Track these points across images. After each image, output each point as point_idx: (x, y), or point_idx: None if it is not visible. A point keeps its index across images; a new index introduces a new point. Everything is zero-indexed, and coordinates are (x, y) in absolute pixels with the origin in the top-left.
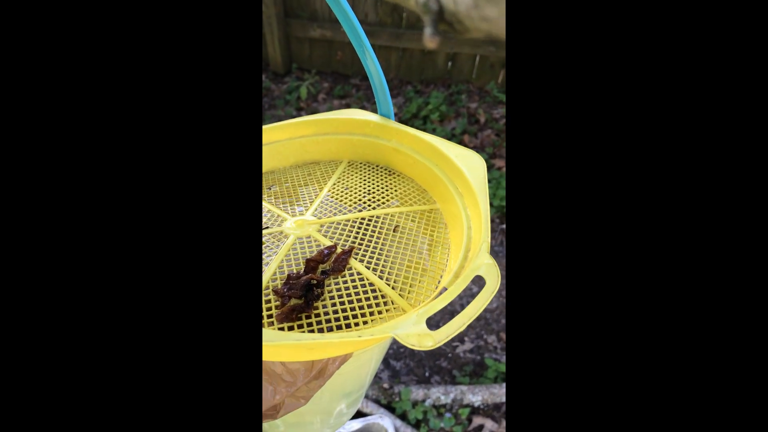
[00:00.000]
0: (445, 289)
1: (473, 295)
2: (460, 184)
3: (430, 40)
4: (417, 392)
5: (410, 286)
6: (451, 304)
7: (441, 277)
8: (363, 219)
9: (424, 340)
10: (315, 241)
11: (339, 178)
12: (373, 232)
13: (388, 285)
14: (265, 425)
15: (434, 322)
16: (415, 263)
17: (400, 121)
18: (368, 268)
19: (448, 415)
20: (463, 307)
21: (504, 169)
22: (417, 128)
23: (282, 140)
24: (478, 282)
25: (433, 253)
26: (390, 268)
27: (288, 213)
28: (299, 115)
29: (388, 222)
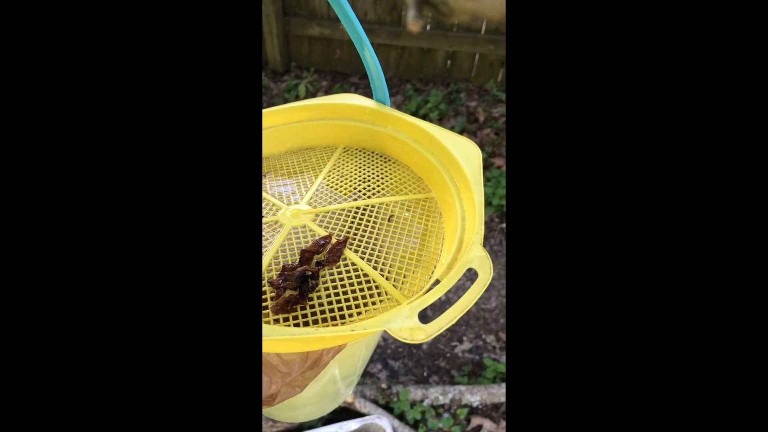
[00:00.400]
0: (438, 281)
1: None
2: (455, 173)
3: (413, 23)
4: (415, 392)
5: (404, 277)
6: (445, 295)
7: (434, 267)
8: (358, 208)
9: (416, 333)
10: (310, 230)
11: (334, 165)
12: (368, 221)
13: (382, 275)
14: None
15: (428, 314)
16: (410, 253)
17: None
18: (363, 258)
19: (446, 415)
20: (458, 298)
21: (503, 168)
22: None
23: (278, 125)
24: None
25: (428, 243)
26: (384, 259)
27: (283, 202)
28: None
29: (383, 211)
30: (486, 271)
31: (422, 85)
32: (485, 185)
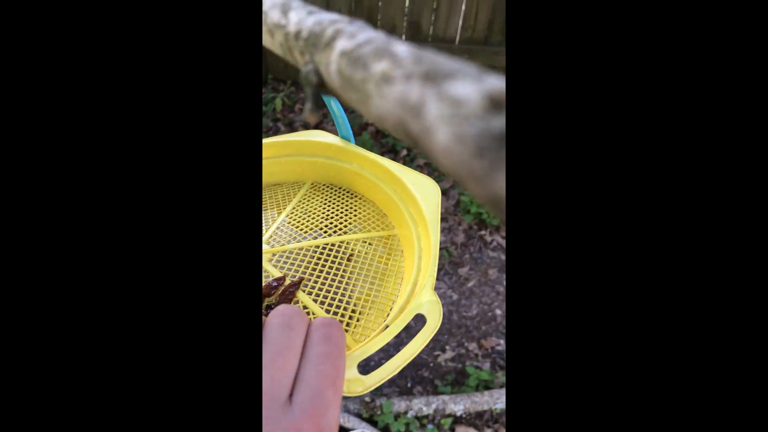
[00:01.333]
0: (387, 326)
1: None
2: (414, 211)
3: (310, 114)
4: (399, 404)
5: (357, 321)
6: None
7: (390, 309)
8: (317, 247)
9: (353, 385)
10: (264, 272)
11: (300, 201)
12: (326, 260)
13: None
14: None
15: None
16: (365, 295)
17: (377, 129)
18: (316, 301)
19: (430, 426)
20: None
21: None
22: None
23: None
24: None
25: (386, 283)
26: (339, 301)
27: None
28: (275, 127)
29: (343, 249)
30: (435, 317)
31: None
32: (464, 194)
